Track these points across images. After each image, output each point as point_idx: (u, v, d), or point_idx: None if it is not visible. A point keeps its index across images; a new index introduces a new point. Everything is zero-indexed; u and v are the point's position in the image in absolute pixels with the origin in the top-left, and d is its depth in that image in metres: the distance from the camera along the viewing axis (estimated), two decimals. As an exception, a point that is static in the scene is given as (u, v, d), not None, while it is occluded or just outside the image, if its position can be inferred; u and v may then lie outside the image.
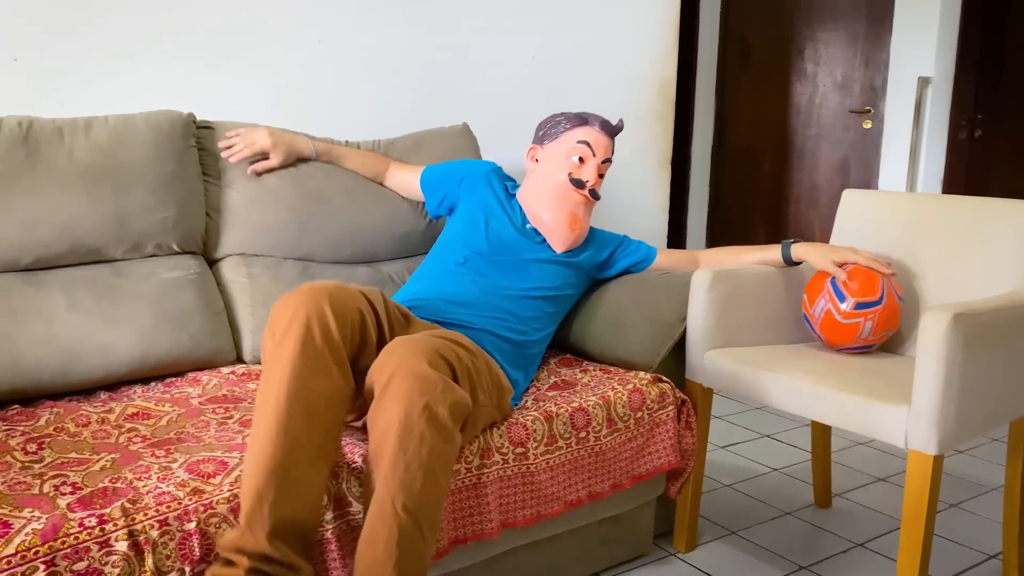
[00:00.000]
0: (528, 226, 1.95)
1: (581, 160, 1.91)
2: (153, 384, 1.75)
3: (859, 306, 1.83)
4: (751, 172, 4.29)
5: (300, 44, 2.35)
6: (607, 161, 1.95)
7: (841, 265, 1.88)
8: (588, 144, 1.91)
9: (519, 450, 1.56)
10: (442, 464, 1.32)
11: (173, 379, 1.78)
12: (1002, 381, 1.64)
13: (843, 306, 1.84)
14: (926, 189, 3.65)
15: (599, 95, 2.94)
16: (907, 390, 1.57)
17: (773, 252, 2.00)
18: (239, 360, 1.91)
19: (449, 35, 2.59)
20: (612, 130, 1.95)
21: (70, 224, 1.73)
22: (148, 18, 2.13)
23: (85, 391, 1.70)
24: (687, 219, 4.41)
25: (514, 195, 2.02)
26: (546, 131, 1.97)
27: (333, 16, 2.39)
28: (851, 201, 2.13)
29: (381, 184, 2.16)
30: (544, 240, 1.94)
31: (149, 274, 1.82)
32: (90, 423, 1.52)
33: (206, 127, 1.99)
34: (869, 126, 3.78)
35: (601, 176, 1.95)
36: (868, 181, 3.79)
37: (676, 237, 4.30)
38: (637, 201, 3.06)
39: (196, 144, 1.95)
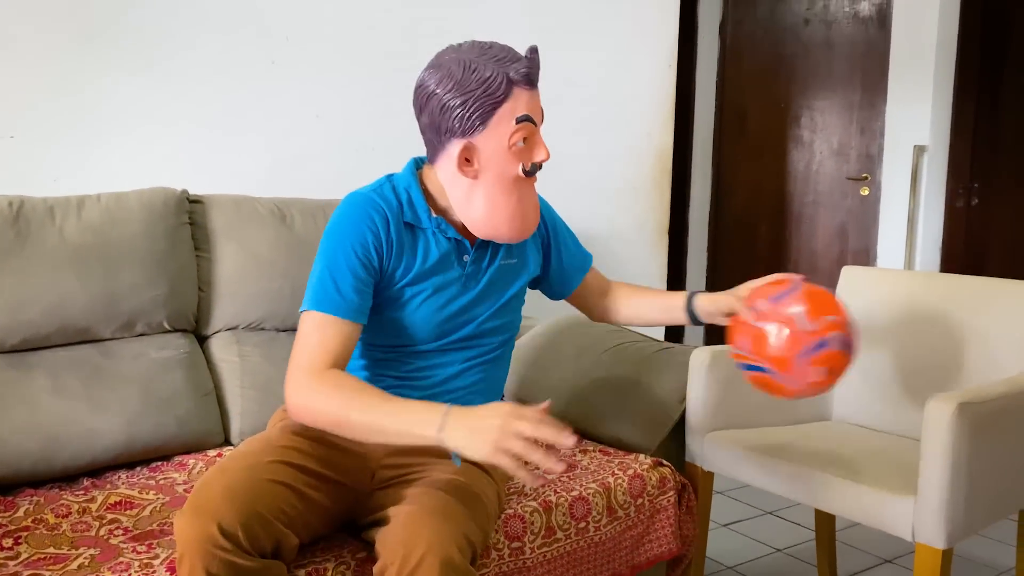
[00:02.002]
0: (466, 258, 1.42)
1: (526, 140, 1.35)
2: (138, 468, 1.70)
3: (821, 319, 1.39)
4: (749, 239, 4.28)
5: (298, 119, 2.36)
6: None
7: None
8: (529, 118, 1.32)
9: (515, 544, 1.50)
10: None
11: (159, 463, 1.73)
12: (1012, 468, 1.59)
13: (800, 316, 1.38)
14: (925, 255, 3.64)
15: (598, 167, 2.95)
16: (913, 478, 1.52)
17: (676, 302, 1.59)
18: (227, 442, 1.86)
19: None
20: (537, 71, 1.33)
21: (59, 304, 1.70)
22: (145, 93, 2.13)
23: (67, 477, 1.65)
24: (685, 287, 4.39)
25: (425, 221, 1.39)
26: (466, 114, 1.29)
27: (332, 92, 2.40)
28: (851, 278, 2.11)
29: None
30: (492, 246, 1.46)
31: (138, 355, 1.78)
32: (70, 514, 1.47)
33: (198, 202, 1.97)
34: (867, 193, 3.79)
35: None
36: (867, 247, 3.78)
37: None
38: (636, 271, 3.04)
39: (189, 220, 1.93)
